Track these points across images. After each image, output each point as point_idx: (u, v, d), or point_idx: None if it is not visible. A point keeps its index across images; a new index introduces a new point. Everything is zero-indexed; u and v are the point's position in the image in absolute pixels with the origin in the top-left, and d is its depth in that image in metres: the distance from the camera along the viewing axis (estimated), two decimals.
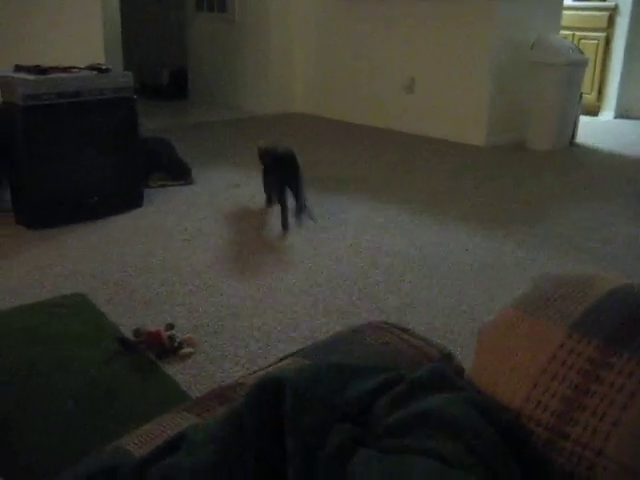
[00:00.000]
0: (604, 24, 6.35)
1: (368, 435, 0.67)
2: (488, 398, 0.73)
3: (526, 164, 4.64)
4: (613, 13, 6.31)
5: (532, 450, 0.68)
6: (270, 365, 0.91)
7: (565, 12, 5.68)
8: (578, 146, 5.21)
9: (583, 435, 0.65)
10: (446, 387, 0.72)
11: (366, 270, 2.77)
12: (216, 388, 0.88)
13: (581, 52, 5.14)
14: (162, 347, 2.10)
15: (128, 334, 2.16)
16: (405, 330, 0.95)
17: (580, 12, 6.46)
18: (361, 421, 0.70)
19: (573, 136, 5.21)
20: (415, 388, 0.71)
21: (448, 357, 0.92)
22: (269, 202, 3.52)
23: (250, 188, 3.88)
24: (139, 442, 0.79)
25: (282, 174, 3.23)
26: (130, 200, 3.50)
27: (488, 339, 0.78)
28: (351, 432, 0.66)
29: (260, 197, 3.68)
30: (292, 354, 0.92)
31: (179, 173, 3.99)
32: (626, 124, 6.29)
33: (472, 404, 0.68)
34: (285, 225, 3.19)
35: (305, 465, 0.62)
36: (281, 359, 0.91)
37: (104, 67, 3.39)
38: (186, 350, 2.11)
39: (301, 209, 3.19)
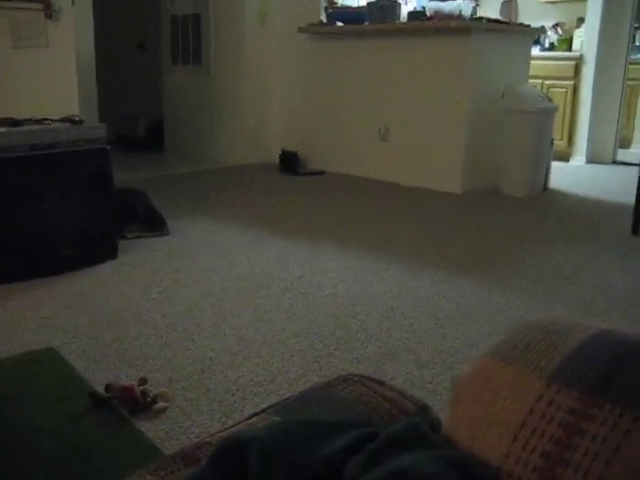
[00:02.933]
0: (571, 73, 6.54)
1: None
2: (465, 455, 0.70)
3: (501, 210, 4.68)
4: (579, 62, 6.51)
5: None
6: (239, 422, 0.87)
7: (533, 62, 5.84)
8: (552, 191, 5.29)
9: None
10: (422, 443, 0.69)
11: (343, 319, 2.73)
12: (182, 448, 0.84)
13: (550, 100, 5.26)
14: (135, 402, 2.04)
15: (100, 389, 2.10)
16: (380, 383, 0.92)
17: (548, 62, 6.66)
18: None
19: (546, 181, 5.29)
20: (389, 445, 0.68)
21: (424, 410, 0.88)
22: None
23: (226, 239, 3.86)
24: None
25: None
26: (104, 252, 3.45)
27: (464, 390, 0.75)
28: None
29: (237, 247, 3.65)
30: (262, 410, 0.88)
31: (155, 224, 3.96)
32: (597, 169, 6.42)
33: (449, 461, 0.65)
34: None
35: None
36: (251, 416, 0.87)
37: (77, 119, 3.38)
38: (160, 405, 2.05)
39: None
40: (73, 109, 4.04)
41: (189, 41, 6.56)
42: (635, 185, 4.07)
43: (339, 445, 0.70)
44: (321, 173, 5.86)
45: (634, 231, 4.03)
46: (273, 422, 0.79)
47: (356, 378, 0.94)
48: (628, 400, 0.64)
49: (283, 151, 6.00)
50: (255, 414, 0.87)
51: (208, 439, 0.83)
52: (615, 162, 6.70)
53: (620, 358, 0.68)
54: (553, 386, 0.68)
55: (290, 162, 5.92)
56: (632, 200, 4.09)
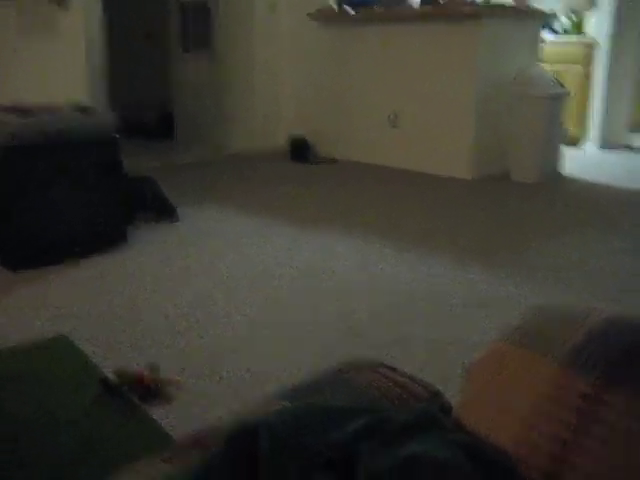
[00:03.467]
0: (583, 58, 6.46)
1: None
2: (477, 439, 0.70)
3: (512, 196, 4.65)
4: (591, 46, 6.43)
5: None
6: (251, 408, 0.87)
7: (545, 46, 5.77)
8: (563, 177, 5.24)
9: (577, 478, 0.62)
10: (434, 429, 0.68)
11: (354, 306, 2.73)
12: (193, 433, 0.84)
13: (561, 85, 5.21)
14: (146, 389, 2.04)
15: (112, 376, 2.11)
16: (391, 368, 0.92)
17: (559, 46, 6.58)
18: (345, 467, 0.66)
19: (557, 167, 5.25)
20: (402, 431, 0.68)
21: (436, 395, 0.88)
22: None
23: (236, 227, 3.86)
24: None
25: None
26: (115, 239, 3.46)
27: (477, 375, 0.75)
28: None
29: (248, 235, 3.66)
30: (273, 396, 0.88)
31: (164, 212, 3.97)
32: (609, 154, 6.36)
33: (460, 446, 0.64)
34: None
35: None
36: (262, 402, 0.87)
37: (87, 107, 3.38)
38: (171, 392, 2.06)
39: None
40: (83, 97, 4.04)
41: (198, 29, 6.54)
42: None
43: (351, 430, 0.70)
44: (334, 161, 5.80)
45: None
46: (284, 407, 0.79)
47: (367, 364, 0.93)
48: None
49: (293, 139, 5.97)
50: (267, 400, 0.87)
51: (219, 425, 0.84)
52: (627, 147, 6.63)
53: (635, 344, 0.67)
54: (567, 371, 0.67)
55: (301, 150, 5.90)
56: None
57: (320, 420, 0.71)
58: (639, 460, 0.59)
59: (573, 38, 6.62)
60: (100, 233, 3.39)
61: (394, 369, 0.92)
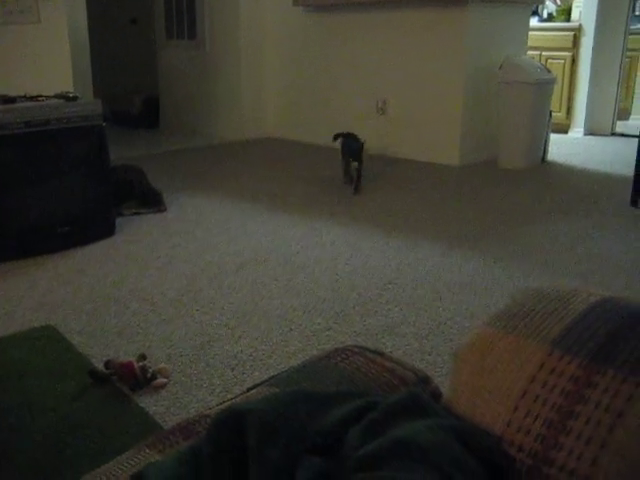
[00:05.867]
0: (570, 44, 6.47)
1: (339, 468, 0.63)
2: (467, 424, 0.70)
3: (499, 182, 4.66)
4: (577, 33, 6.44)
5: (515, 478, 0.64)
6: (238, 395, 0.86)
7: (532, 33, 5.77)
8: (550, 163, 5.26)
9: (569, 461, 0.61)
10: (422, 413, 0.68)
11: (342, 292, 2.73)
12: (181, 422, 0.83)
13: (548, 71, 5.21)
14: (135, 378, 2.04)
15: (100, 366, 2.10)
16: (379, 353, 0.91)
17: (546, 32, 6.58)
18: (333, 453, 0.65)
19: (544, 154, 5.26)
20: (389, 415, 0.67)
21: (425, 380, 0.88)
22: (345, 175, 4.51)
23: (223, 214, 3.84)
24: None
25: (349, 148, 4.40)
26: (102, 229, 3.43)
27: (465, 360, 0.74)
28: (321, 466, 0.61)
29: (234, 223, 3.65)
30: (261, 383, 0.87)
31: (151, 201, 3.95)
32: (596, 140, 6.38)
33: (449, 430, 0.64)
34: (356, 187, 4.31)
35: None
36: (249, 389, 0.87)
37: (72, 95, 3.34)
38: (160, 381, 2.05)
39: (359, 178, 4.31)
40: (67, 85, 3.99)
41: (183, 15, 6.48)
42: (634, 157, 4.05)
43: (338, 416, 0.69)
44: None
45: (633, 203, 4.02)
46: (272, 394, 0.78)
47: (355, 349, 0.93)
48: (631, 367, 0.63)
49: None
50: (254, 386, 0.87)
51: (207, 412, 0.83)
52: (614, 134, 6.66)
53: (623, 326, 0.67)
54: (555, 354, 0.67)
55: None
56: (631, 172, 4.07)
57: (307, 406, 0.70)
58: (623, 438, 0.59)
59: (560, 24, 6.62)
60: (86, 222, 3.36)
61: (382, 354, 0.92)
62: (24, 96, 3.26)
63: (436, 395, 0.84)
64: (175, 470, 0.65)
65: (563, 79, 6.46)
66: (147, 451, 0.76)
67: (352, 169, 4.32)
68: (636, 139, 4.09)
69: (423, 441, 0.62)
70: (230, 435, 0.64)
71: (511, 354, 0.70)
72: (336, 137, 4.58)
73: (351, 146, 4.37)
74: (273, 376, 0.92)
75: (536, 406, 0.66)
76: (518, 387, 0.67)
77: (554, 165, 5.23)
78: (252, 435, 0.63)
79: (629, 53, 6.58)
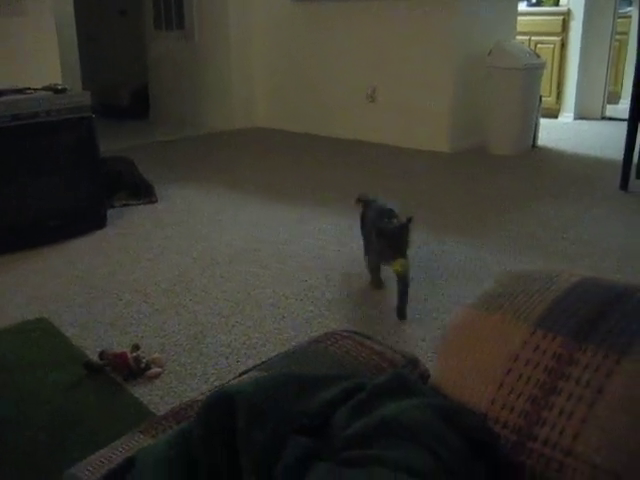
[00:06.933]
0: (559, 28, 6.47)
1: (327, 447, 0.64)
2: (452, 402, 0.71)
3: (490, 168, 4.67)
4: (567, 17, 6.44)
5: (500, 453, 0.65)
6: (230, 380, 0.87)
7: (520, 18, 5.77)
8: (540, 148, 5.27)
9: (551, 435, 0.63)
10: (408, 393, 0.69)
11: (333, 280, 2.74)
12: (174, 407, 0.84)
13: (538, 56, 5.21)
14: (128, 369, 2.05)
15: (94, 357, 2.11)
16: (368, 337, 0.93)
17: (535, 17, 6.58)
18: (320, 433, 0.67)
19: (535, 139, 5.27)
20: (375, 396, 0.68)
21: (413, 362, 0.89)
22: (377, 280, 2.67)
23: (214, 205, 3.84)
24: (92, 469, 0.75)
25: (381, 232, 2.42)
26: (93, 221, 3.43)
27: (450, 340, 0.76)
28: (308, 445, 0.63)
29: (225, 212, 3.65)
30: (252, 368, 0.88)
31: (142, 192, 3.94)
32: (586, 125, 6.40)
33: (434, 409, 0.65)
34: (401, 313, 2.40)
35: None
36: (241, 374, 0.88)
37: (60, 87, 3.33)
38: (153, 371, 2.06)
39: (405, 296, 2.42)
40: (56, 77, 3.97)
41: (171, 6, 6.44)
42: (624, 141, 4.06)
43: (326, 397, 0.70)
44: None
45: (622, 186, 4.04)
46: (261, 376, 0.79)
47: (345, 333, 0.94)
48: (610, 343, 0.64)
49: None
50: (246, 371, 0.88)
51: (199, 398, 0.84)
52: (604, 118, 6.68)
53: (603, 304, 0.68)
54: (538, 332, 0.69)
55: None
56: (620, 156, 4.09)
57: (296, 388, 0.71)
58: (603, 413, 0.60)
59: (549, 9, 6.61)
60: (78, 215, 3.36)
61: (370, 337, 0.93)
62: (12, 89, 3.24)
63: (424, 377, 0.85)
64: (165, 453, 0.66)
65: (553, 64, 6.46)
66: (141, 437, 0.77)
67: (393, 270, 2.39)
68: (626, 123, 4.10)
69: (408, 420, 0.63)
70: (220, 417, 0.66)
71: (495, 334, 0.71)
72: (360, 201, 2.92)
73: (386, 228, 2.41)
74: (264, 361, 0.93)
75: (520, 384, 0.67)
76: (502, 366, 0.69)
77: (544, 150, 5.24)
78: (241, 417, 0.64)
79: (618, 37, 6.58)
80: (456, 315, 0.78)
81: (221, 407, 0.66)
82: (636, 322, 0.67)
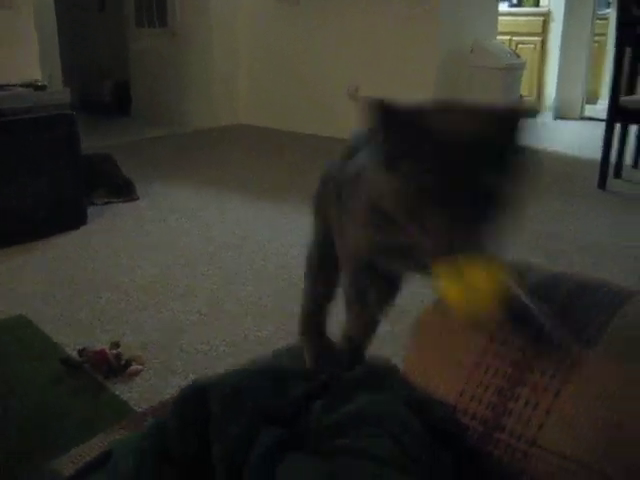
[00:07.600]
0: (539, 29, 6.53)
1: (300, 438, 0.66)
2: (420, 394, 0.73)
3: None
4: (547, 18, 6.50)
5: (466, 444, 0.67)
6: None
7: (502, 18, 5.82)
8: None
9: (517, 426, 0.65)
10: (379, 386, 0.71)
11: None
12: (152, 405, 0.85)
13: (518, 56, 5.27)
14: (108, 366, 2.05)
15: (73, 355, 2.10)
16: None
17: (516, 17, 6.64)
18: (295, 425, 0.68)
19: None
20: (348, 388, 0.70)
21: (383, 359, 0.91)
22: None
23: (196, 202, 3.84)
24: (72, 463, 0.76)
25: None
26: (73, 218, 3.41)
27: (420, 334, 0.77)
28: (279, 436, 0.64)
29: (207, 210, 3.64)
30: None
31: (123, 189, 3.92)
32: (565, 124, 6.46)
33: (405, 401, 0.67)
34: None
35: (232, 473, 0.60)
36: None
37: (40, 84, 3.31)
38: (134, 368, 2.06)
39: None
40: (35, 73, 3.95)
41: (153, 2, 6.40)
42: (602, 140, 4.12)
43: (299, 391, 0.72)
44: None
45: (600, 185, 4.09)
46: (238, 369, 0.80)
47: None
48: (576, 335, 0.66)
49: None
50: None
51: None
52: (582, 118, 6.75)
53: (570, 296, 0.71)
54: (506, 327, 0.71)
55: None
56: (599, 155, 4.14)
57: (270, 382, 0.73)
58: (567, 404, 0.62)
59: (529, 9, 6.68)
60: (58, 212, 3.34)
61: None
62: None
63: (394, 370, 0.87)
64: (139, 443, 0.67)
65: (533, 64, 6.53)
66: (122, 432, 0.78)
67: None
68: (604, 123, 4.15)
69: (378, 410, 0.65)
70: (195, 408, 0.67)
71: (464, 328, 0.73)
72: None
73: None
74: (246, 362, 0.94)
75: (487, 376, 0.69)
76: (471, 359, 0.71)
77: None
78: (214, 408, 0.65)
79: (597, 38, 6.65)
80: (427, 309, 0.80)
81: (195, 399, 0.67)
82: (603, 314, 0.69)
